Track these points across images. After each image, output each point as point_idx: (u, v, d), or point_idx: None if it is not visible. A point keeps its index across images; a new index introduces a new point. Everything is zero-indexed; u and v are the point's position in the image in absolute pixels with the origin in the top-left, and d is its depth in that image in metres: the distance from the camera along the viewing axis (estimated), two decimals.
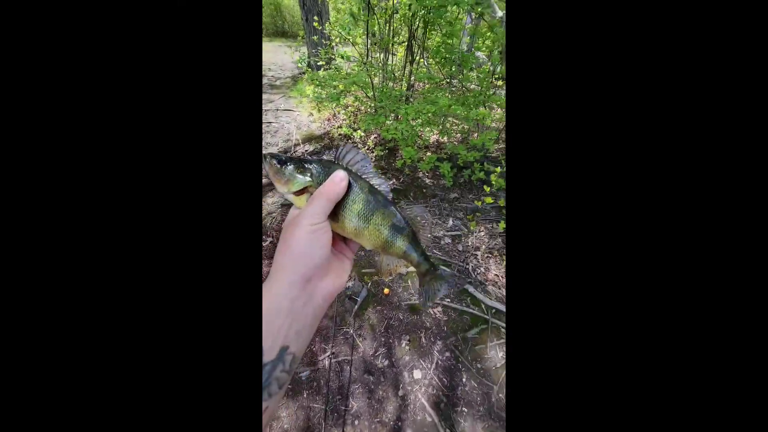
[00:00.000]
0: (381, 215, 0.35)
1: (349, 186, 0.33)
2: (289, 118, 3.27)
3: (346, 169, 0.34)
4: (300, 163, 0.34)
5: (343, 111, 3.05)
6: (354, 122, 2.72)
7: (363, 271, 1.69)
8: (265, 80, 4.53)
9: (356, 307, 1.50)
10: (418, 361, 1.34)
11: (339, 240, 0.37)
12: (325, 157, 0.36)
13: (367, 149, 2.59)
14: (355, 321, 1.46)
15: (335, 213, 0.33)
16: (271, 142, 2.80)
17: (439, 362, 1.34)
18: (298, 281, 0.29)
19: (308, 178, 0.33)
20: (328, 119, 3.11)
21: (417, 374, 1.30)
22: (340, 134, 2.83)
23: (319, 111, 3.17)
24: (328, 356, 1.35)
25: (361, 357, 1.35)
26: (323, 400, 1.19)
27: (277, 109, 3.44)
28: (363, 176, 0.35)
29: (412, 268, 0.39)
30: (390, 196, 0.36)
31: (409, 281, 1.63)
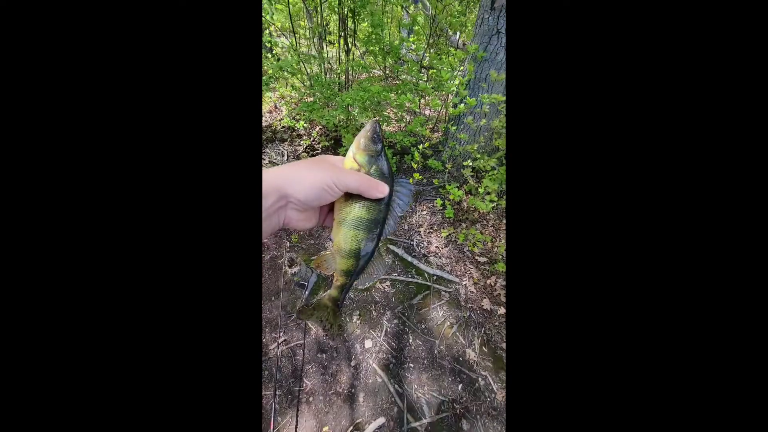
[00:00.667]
0: (361, 238, 0.37)
1: (378, 200, 0.36)
2: None
3: (392, 189, 0.37)
4: (379, 154, 0.37)
5: (283, 102, 2.97)
6: (297, 114, 2.68)
7: (312, 258, 1.74)
8: None
9: (306, 293, 1.54)
10: (368, 332, 1.44)
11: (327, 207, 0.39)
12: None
13: (313, 140, 2.58)
14: (304, 304, 1.51)
15: (351, 196, 0.36)
16: None
17: (388, 330, 1.45)
18: (278, 189, 0.30)
19: (369, 167, 0.36)
20: (270, 111, 3.01)
21: (368, 344, 1.40)
22: (283, 126, 2.77)
23: None
24: (279, 344, 1.38)
25: (313, 339, 1.40)
26: (273, 387, 1.23)
27: None
28: (390, 210, 0.38)
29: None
30: (383, 237, 0.39)
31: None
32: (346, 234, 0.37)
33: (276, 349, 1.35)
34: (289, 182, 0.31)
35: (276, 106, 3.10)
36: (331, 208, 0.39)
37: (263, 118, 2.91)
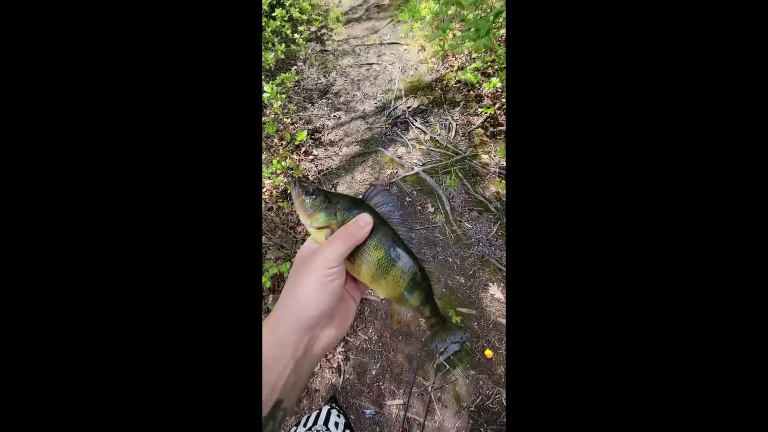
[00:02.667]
0: (401, 269, 0.34)
1: (373, 230, 0.32)
2: (394, 56, 2.62)
3: (372, 212, 0.33)
4: (326, 197, 0.33)
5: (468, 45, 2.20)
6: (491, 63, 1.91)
7: (459, 309, 1.29)
8: None
9: (441, 359, 1.16)
10: None
11: (349, 279, 0.35)
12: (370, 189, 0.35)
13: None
14: (437, 377, 1.15)
15: (353, 253, 0.32)
16: (369, 93, 2.32)
17: None
18: (302, 327, 0.29)
19: (332, 217, 0.32)
20: (449, 56, 2.32)
21: None
22: (458, 82, 2.10)
23: (434, 42, 2.39)
24: (397, 406, 1.11)
25: (436, 428, 1.07)
26: None
27: (381, 44, 2.79)
28: (389, 222, 0.34)
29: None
30: (413, 246, 0.35)
31: None
32: (386, 282, 0.34)
33: (393, 408, 1.10)
34: (299, 309, 0.29)
35: (446, 51, 2.36)
36: (351, 278, 0.35)
37: (433, 68, 2.28)
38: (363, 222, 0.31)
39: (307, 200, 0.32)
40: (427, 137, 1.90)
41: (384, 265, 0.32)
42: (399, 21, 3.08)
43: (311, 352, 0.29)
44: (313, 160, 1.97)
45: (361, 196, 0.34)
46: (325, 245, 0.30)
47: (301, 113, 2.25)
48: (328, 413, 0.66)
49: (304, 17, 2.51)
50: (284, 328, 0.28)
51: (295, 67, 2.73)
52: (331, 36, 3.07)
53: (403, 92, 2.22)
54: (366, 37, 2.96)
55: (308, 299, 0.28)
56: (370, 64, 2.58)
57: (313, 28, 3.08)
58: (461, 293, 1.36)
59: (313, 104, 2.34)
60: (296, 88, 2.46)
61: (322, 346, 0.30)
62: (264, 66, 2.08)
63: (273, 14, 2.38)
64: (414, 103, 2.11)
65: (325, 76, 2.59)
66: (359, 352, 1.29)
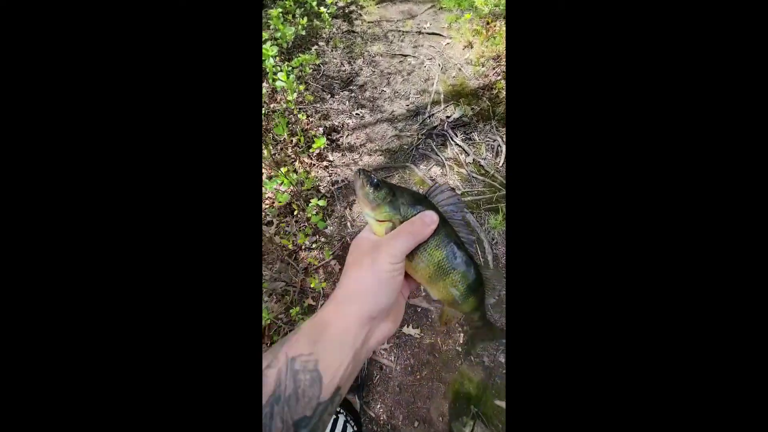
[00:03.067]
0: (460, 273, 0.33)
1: (436, 229, 0.31)
2: (434, 49, 2.23)
3: (435, 210, 0.32)
4: (391, 190, 0.32)
5: None
6: None
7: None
8: None
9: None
10: None
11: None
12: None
13: None
14: None
15: (413, 251, 0.31)
16: (401, 92, 1.95)
17: None
18: (365, 318, 0.29)
19: (395, 212, 0.32)
20: (496, 58, 1.94)
21: None
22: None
23: (482, 38, 2.01)
24: None
25: None
26: None
27: (420, 32, 2.39)
28: (451, 222, 0.33)
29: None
30: (473, 250, 0.34)
31: None
32: (443, 284, 0.33)
33: None
34: (363, 301, 0.29)
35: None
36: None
37: (483, 72, 1.92)
38: (429, 219, 0.31)
39: (372, 192, 0.32)
40: (469, 159, 1.55)
41: (444, 267, 0.32)
42: (442, 8, 2.66)
43: (367, 344, 0.30)
44: (327, 167, 1.64)
45: (423, 193, 0.33)
46: (389, 239, 0.30)
47: (318, 104, 1.89)
48: (344, 426, 0.63)
49: None
50: (349, 319, 0.28)
51: (315, 47, 2.34)
52: (360, 15, 2.66)
53: (442, 96, 1.86)
54: (401, 22, 2.56)
55: (373, 292, 0.29)
56: (405, 55, 2.20)
57: (341, 3, 2.66)
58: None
59: (332, 95, 1.97)
60: (315, 73, 2.09)
61: (377, 339, 0.31)
62: (282, 42, 1.71)
63: None
64: (455, 112, 1.75)
65: (350, 63, 2.21)
66: None
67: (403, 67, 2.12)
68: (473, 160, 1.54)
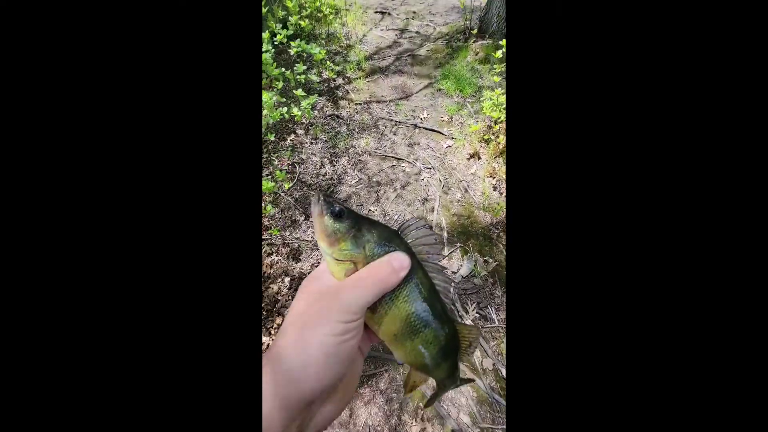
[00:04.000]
0: (433, 334, 0.27)
1: (407, 275, 0.26)
2: (432, 152, 1.89)
3: (408, 250, 0.27)
4: (356, 223, 0.26)
5: None
6: None
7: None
8: (405, 42, 3.01)
9: None
10: None
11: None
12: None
13: None
14: None
15: (375, 305, 0.25)
16: (391, 214, 1.56)
17: None
18: (297, 403, 0.22)
19: (358, 250, 0.26)
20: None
21: None
22: None
23: (491, 150, 1.68)
24: None
25: None
26: None
27: (416, 125, 2.05)
28: (425, 266, 0.27)
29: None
30: (451, 298, 0.29)
31: None
32: (411, 346, 0.27)
33: None
34: (298, 381, 0.22)
35: None
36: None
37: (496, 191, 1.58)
38: (398, 264, 0.25)
39: (331, 223, 0.26)
40: (488, 364, 1.15)
41: (413, 325, 0.26)
42: (440, 89, 2.35)
43: None
44: None
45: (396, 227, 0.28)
46: (346, 287, 0.25)
47: (287, 232, 1.47)
48: None
49: (322, 51, 1.61)
50: (272, 404, 0.21)
51: (292, 136, 1.94)
52: (348, 93, 2.30)
53: (446, 233, 1.47)
54: (394, 104, 2.22)
55: (313, 366, 0.22)
56: (398, 159, 1.84)
57: (326, 74, 2.29)
58: None
59: (307, 217, 1.55)
60: (289, 177, 1.67)
61: (317, 425, 0.24)
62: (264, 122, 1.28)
63: (278, 41, 1.53)
64: (464, 266, 1.35)
65: (332, 162, 1.82)
66: None
67: (395, 176, 1.75)
68: (493, 365, 1.11)
